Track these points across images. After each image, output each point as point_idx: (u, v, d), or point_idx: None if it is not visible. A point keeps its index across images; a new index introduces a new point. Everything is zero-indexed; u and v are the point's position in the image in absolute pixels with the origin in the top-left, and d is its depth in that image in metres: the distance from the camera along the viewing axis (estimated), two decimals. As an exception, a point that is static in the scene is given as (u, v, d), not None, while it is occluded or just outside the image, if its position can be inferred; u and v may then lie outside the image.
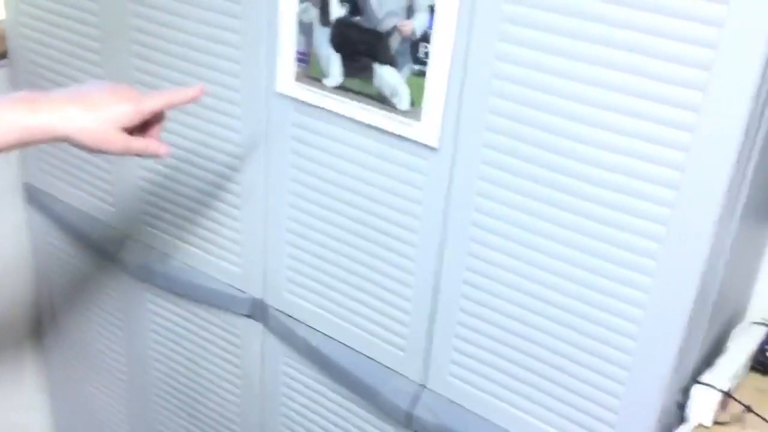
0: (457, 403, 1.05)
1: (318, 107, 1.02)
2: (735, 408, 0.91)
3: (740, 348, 0.98)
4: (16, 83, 1.42)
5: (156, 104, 0.87)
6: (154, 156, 0.89)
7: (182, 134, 1.18)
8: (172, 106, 0.89)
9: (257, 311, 1.23)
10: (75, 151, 1.36)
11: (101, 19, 1.21)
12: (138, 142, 0.86)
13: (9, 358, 1.64)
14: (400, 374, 1.09)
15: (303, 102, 1.03)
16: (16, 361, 1.66)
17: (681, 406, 0.92)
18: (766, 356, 0.96)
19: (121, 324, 1.45)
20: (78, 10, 1.24)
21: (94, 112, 0.81)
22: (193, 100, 0.91)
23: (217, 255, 1.24)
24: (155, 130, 0.90)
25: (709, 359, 0.97)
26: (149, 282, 1.34)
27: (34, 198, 1.50)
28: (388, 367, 1.10)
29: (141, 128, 0.88)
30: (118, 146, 0.84)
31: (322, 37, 0.98)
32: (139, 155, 0.88)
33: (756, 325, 1.03)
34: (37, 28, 1.33)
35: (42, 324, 1.65)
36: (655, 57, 0.76)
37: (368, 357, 1.12)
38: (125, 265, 1.35)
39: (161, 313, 1.37)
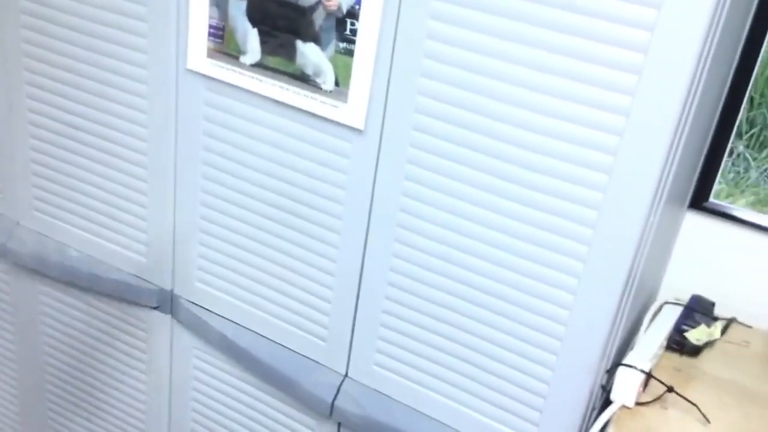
0: (382, 393, 1.02)
1: (233, 86, 0.96)
2: (656, 388, 0.92)
3: (657, 328, 1.00)
4: None
5: None
6: None
7: (80, 113, 1.09)
8: None
9: (165, 303, 1.16)
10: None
11: (-16, -15, 1.09)
12: None
13: None
14: (322, 365, 1.06)
15: (216, 80, 0.97)
16: None
17: (605, 388, 0.93)
18: (682, 336, 0.99)
19: (10, 318, 1.34)
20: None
21: None
22: None
23: (119, 243, 1.16)
24: None
25: (627, 340, 0.98)
26: (42, 273, 1.24)
27: None
28: (309, 358, 1.06)
29: None
30: None
31: (238, 10, 0.92)
32: None
33: (670, 305, 1.05)
34: None
35: None
36: (590, 39, 0.75)
37: (287, 348, 1.08)
38: (14, 255, 1.24)
39: (56, 306, 1.27)
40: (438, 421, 0.99)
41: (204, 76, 0.98)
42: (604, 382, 0.93)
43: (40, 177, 1.18)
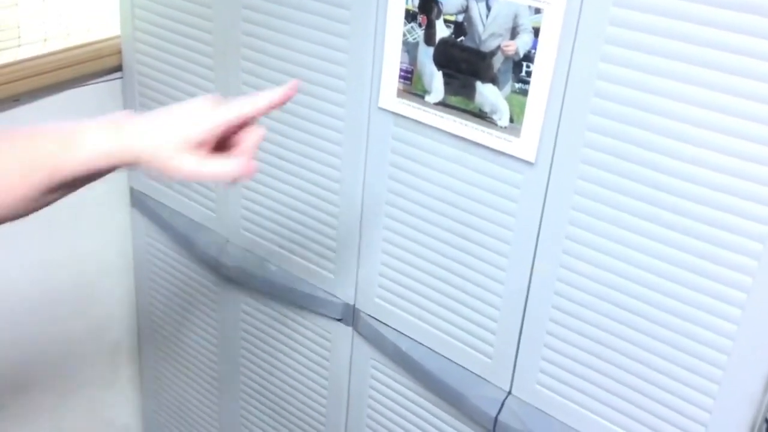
0: (544, 412, 1.08)
1: (418, 122, 1.08)
2: (826, 428, 0.91)
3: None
4: (129, 95, 1.52)
5: (231, 114, 0.72)
6: (236, 178, 0.71)
7: (285, 146, 1.26)
8: (258, 114, 0.74)
9: (348, 316, 1.29)
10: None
11: (214, 37, 1.30)
12: (211, 166, 0.71)
13: (106, 355, 1.74)
14: (487, 381, 1.13)
15: (404, 116, 1.09)
16: (113, 359, 1.76)
17: (770, 424, 0.94)
18: None
19: (216, 324, 1.53)
20: (192, 28, 1.33)
21: (160, 135, 0.70)
22: (289, 99, 0.76)
23: (312, 261, 1.31)
24: (250, 141, 0.75)
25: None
26: (246, 285, 1.42)
27: (139, 202, 1.60)
28: (476, 374, 1.14)
29: (236, 141, 0.75)
30: (183, 172, 0.70)
31: (425, 55, 1.04)
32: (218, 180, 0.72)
33: None
34: (150, 43, 1.43)
35: (139, 322, 1.74)
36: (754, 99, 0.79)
37: (456, 363, 1.16)
38: (225, 268, 1.43)
39: (254, 314, 1.44)
40: (597, 442, 1.03)
41: (393, 113, 1.10)
42: (769, 416, 0.93)
43: (248, 200, 1.36)
